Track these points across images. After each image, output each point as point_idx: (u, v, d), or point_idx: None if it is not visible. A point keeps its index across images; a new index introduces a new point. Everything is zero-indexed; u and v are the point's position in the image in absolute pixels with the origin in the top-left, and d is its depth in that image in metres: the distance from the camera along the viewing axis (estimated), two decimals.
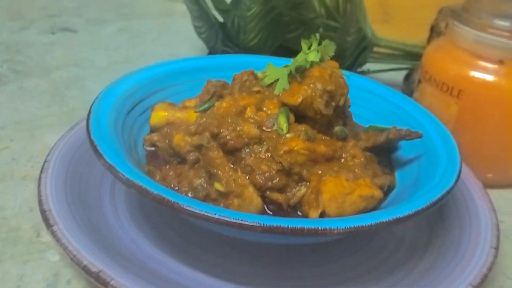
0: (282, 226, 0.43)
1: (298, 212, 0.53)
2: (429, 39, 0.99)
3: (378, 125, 0.65)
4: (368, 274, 0.52)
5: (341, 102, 0.58)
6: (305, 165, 0.53)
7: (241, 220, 0.43)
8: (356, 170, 0.53)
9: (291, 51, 0.91)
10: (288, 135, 0.54)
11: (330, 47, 0.60)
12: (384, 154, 0.63)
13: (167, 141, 0.59)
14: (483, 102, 0.69)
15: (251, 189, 0.50)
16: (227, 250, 0.54)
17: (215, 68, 0.73)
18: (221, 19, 0.97)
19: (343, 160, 0.55)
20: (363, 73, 0.99)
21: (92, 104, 0.58)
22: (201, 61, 0.73)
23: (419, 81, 0.77)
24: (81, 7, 1.28)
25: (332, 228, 0.43)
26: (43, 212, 0.52)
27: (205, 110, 0.60)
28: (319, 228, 0.43)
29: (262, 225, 0.43)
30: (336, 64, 0.60)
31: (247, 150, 0.54)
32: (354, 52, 0.91)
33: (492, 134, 0.70)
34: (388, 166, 0.62)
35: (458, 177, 0.52)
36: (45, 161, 0.60)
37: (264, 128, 0.56)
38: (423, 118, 0.64)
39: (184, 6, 0.99)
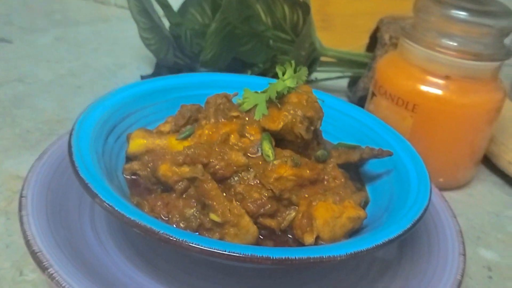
0: (290, 258, 0.45)
1: (289, 235, 0.55)
2: (369, 47, 1.05)
3: (346, 141, 0.68)
4: None
5: (319, 126, 0.61)
6: (293, 190, 0.56)
7: (252, 255, 0.44)
8: (340, 192, 0.56)
9: (245, 64, 0.93)
10: (275, 162, 0.56)
11: (303, 72, 0.62)
12: (352, 169, 0.67)
13: (149, 170, 0.59)
14: (435, 115, 0.75)
15: (247, 218, 0.52)
16: (216, 274, 0.55)
17: (185, 87, 0.73)
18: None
19: (325, 182, 0.58)
20: (311, 82, 1.03)
21: (70, 138, 0.56)
22: (170, 81, 0.73)
23: (373, 94, 0.81)
24: (10, 14, 1.21)
25: (336, 255, 0.46)
26: (34, 254, 0.51)
27: (186, 138, 0.60)
28: (324, 256, 0.45)
29: (272, 258, 0.44)
30: (309, 89, 0.63)
31: (236, 178, 0.56)
32: (306, 64, 0.95)
33: (443, 143, 0.76)
34: (358, 180, 0.66)
35: (431, 192, 0.57)
36: (21, 197, 0.58)
37: (249, 154, 0.58)
38: (387, 135, 0.68)
39: (119, 10, 0.98)
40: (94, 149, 0.57)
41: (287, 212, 0.55)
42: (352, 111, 0.73)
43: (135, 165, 0.60)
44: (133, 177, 0.60)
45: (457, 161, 0.79)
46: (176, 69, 0.98)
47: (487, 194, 0.82)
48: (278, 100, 0.60)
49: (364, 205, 0.61)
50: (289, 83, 0.61)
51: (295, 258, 0.45)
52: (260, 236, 0.55)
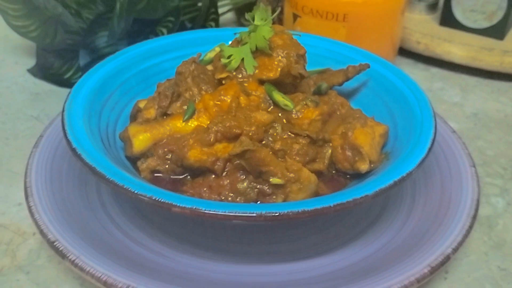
0: (327, 206, 0.45)
1: (333, 171, 0.57)
2: None
3: (313, 68, 0.70)
4: (356, 239, 0.54)
5: (306, 61, 0.61)
6: (323, 129, 0.57)
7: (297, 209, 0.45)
8: (357, 115, 0.59)
9: (141, 22, 0.87)
10: (297, 108, 0.56)
11: (268, 11, 0.61)
12: None
13: (170, 161, 0.55)
14: (364, 18, 0.79)
15: (305, 170, 0.52)
16: (216, 231, 0.55)
17: (150, 56, 0.68)
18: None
19: (338, 112, 0.60)
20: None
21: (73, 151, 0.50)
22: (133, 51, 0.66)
23: (297, 16, 0.83)
24: None
25: (369, 194, 0.46)
26: (50, 243, 0.49)
27: (191, 117, 0.56)
28: (358, 198, 0.46)
29: (332, 205, 0.45)
30: (282, 27, 0.62)
31: (269, 138, 0.55)
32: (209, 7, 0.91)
33: (372, 42, 0.82)
34: None
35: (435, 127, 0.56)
36: (26, 187, 0.55)
37: (262, 110, 0.57)
38: (339, 49, 0.71)
39: None
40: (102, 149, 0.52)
41: (324, 151, 0.57)
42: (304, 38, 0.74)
43: (151, 162, 0.55)
44: (155, 175, 0.55)
45: (383, 55, 0.86)
46: (67, 52, 0.87)
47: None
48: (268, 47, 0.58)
49: None
50: (268, 30, 0.59)
51: (331, 205, 0.45)
52: None
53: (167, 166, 0.55)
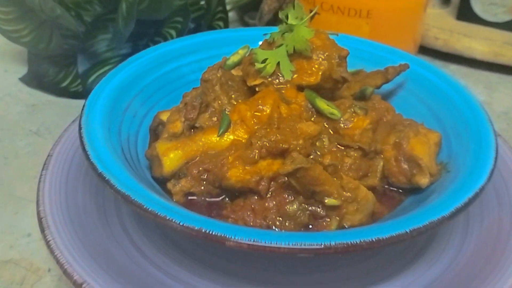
0: (404, 233, 0.39)
1: (385, 186, 0.51)
2: None
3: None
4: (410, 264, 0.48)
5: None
6: (373, 139, 0.51)
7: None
8: (407, 122, 0.53)
9: (144, 23, 0.80)
10: (345, 117, 0.50)
11: (301, 8, 0.55)
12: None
13: (206, 182, 0.48)
14: (389, 15, 0.74)
15: (362, 188, 0.46)
16: (258, 259, 0.48)
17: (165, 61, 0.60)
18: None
19: (384, 118, 0.54)
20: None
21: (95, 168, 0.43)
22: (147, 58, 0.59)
23: (316, 13, 0.77)
24: None
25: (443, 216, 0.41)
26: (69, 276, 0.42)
27: (226, 130, 0.50)
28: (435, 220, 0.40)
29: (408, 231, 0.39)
30: (315, 27, 0.56)
31: (316, 152, 0.49)
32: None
33: (395, 39, 0.77)
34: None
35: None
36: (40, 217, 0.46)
37: (307, 120, 0.51)
38: (373, 49, 0.65)
39: None
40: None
41: (376, 164, 0.51)
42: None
43: (185, 183, 0.48)
44: (189, 198, 0.49)
45: (409, 46, 0.81)
46: (62, 58, 0.80)
47: None
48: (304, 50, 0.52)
49: None
50: (307, 30, 0.53)
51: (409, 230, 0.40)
52: None
53: (202, 187, 0.48)
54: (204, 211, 0.48)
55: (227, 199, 0.49)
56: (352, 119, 0.50)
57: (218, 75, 0.55)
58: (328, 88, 0.54)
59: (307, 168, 0.44)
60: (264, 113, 0.49)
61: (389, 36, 0.75)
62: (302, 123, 0.48)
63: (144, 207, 0.40)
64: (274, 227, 0.46)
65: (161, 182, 0.50)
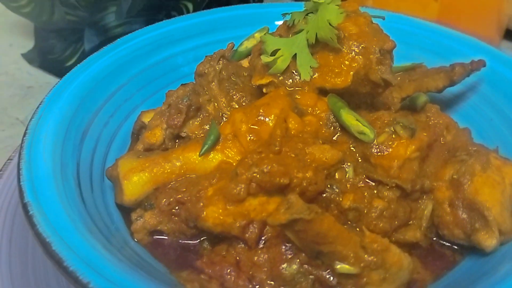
0: None
1: (435, 238, 0.36)
2: None
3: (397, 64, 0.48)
4: None
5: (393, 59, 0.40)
6: (420, 172, 0.35)
7: None
8: (475, 148, 0.37)
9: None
10: (381, 139, 0.35)
11: None
12: None
13: (178, 219, 0.35)
14: None
15: (394, 249, 0.32)
16: None
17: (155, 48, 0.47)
18: None
19: (442, 139, 0.38)
20: None
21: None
22: (130, 46, 0.47)
23: None
24: None
25: None
26: None
27: (212, 147, 0.36)
28: None
29: None
30: (354, 5, 0.40)
31: (335, 186, 0.34)
32: None
33: (472, 21, 0.59)
34: None
35: None
36: None
37: (325, 139, 0.36)
38: (454, 42, 0.49)
39: None
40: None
41: (421, 207, 0.36)
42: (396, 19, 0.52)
43: (149, 219, 0.36)
44: (155, 237, 0.36)
45: (486, 38, 0.63)
46: (69, 32, 0.69)
47: None
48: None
49: None
50: (335, 5, 0.38)
51: None
52: None
53: (174, 225, 0.35)
54: (172, 258, 0.35)
55: (206, 243, 0.35)
56: (391, 143, 0.35)
57: (217, 68, 0.41)
58: (364, 93, 0.38)
59: (308, 221, 0.30)
60: (265, 127, 0.35)
61: (464, 17, 0.59)
62: (314, 146, 0.34)
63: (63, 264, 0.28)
64: None
65: (127, 210, 0.38)
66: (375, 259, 0.31)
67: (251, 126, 0.36)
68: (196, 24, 0.48)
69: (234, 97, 0.41)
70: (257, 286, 0.33)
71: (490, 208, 0.33)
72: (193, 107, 0.40)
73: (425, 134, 0.36)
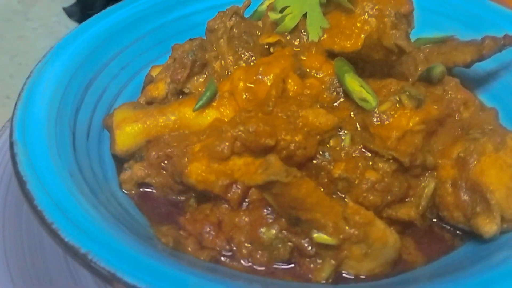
0: None
1: (433, 219, 0.34)
2: None
3: (426, 35, 0.45)
4: None
5: (414, 24, 0.37)
6: (424, 147, 0.33)
7: None
8: (490, 126, 0.34)
9: None
10: (383, 108, 0.33)
11: None
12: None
13: (166, 172, 0.34)
14: None
15: (379, 223, 0.30)
16: None
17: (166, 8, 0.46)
18: None
19: (457, 115, 0.35)
20: None
21: (14, 161, 0.30)
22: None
23: None
24: None
25: None
26: None
27: (208, 103, 0.35)
28: None
29: None
30: None
31: (325, 154, 0.32)
32: None
33: None
34: None
35: None
36: None
37: (325, 104, 0.34)
38: (491, 13, 0.45)
39: None
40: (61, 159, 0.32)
41: (422, 185, 0.33)
42: None
43: (138, 170, 0.35)
44: (142, 189, 0.35)
45: None
46: None
47: None
48: None
49: None
50: None
51: None
52: None
53: (161, 179, 0.35)
54: (157, 211, 0.35)
55: (192, 200, 0.34)
56: (393, 112, 0.32)
57: (228, 25, 0.40)
58: (377, 60, 0.36)
59: (285, 184, 0.28)
60: (263, 86, 0.34)
61: None
62: (309, 110, 0.32)
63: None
64: (239, 257, 0.31)
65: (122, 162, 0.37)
66: (356, 232, 0.29)
67: (248, 85, 0.34)
68: None
69: (242, 55, 0.39)
70: (234, 248, 0.32)
71: (493, 191, 0.30)
72: (198, 62, 0.39)
73: (435, 107, 0.33)
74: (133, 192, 0.35)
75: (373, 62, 0.37)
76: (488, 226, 0.30)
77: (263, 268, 0.31)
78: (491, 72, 0.43)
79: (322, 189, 0.31)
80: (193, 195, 0.35)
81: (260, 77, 0.34)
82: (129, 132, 0.35)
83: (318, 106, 0.33)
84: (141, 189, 0.35)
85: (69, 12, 0.71)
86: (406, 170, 0.32)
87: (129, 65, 0.44)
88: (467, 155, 0.32)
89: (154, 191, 0.35)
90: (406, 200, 0.33)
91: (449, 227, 0.33)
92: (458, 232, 0.33)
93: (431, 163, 0.33)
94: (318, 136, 0.32)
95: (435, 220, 0.34)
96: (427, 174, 0.33)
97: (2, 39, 0.66)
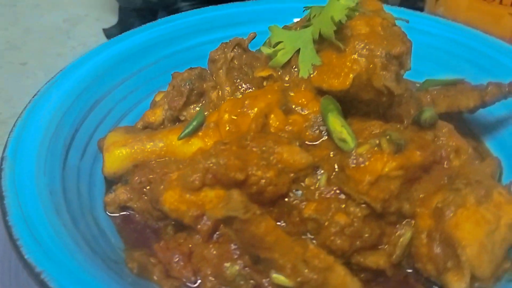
0: None
1: (407, 270, 0.32)
2: None
3: (435, 76, 0.44)
4: None
5: (409, 66, 0.36)
6: (402, 194, 0.32)
7: None
8: (478, 177, 0.32)
9: None
10: (361, 150, 0.32)
11: None
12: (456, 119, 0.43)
13: (147, 198, 0.35)
14: None
15: (339, 269, 0.29)
16: None
17: (174, 38, 0.47)
18: None
19: (445, 163, 0.34)
20: None
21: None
22: (149, 33, 0.47)
23: None
24: None
25: None
26: None
27: (194, 133, 0.36)
28: None
29: None
30: (378, 5, 0.37)
31: (299, 192, 0.32)
32: None
33: None
34: (468, 135, 0.42)
35: None
36: None
37: (307, 142, 0.34)
38: (497, 52, 0.43)
39: None
40: (44, 181, 0.33)
41: (397, 233, 0.32)
42: (430, 25, 0.48)
43: (120, 193, 0.36)
44: (123, 213, 0.36)
45: None
46: (147, 12, 0.71)
47: None
48: (337, 37, 0.34)
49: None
50: (347, 1, 0.35)
51: None
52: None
53: (142, 204, 0.35)
54: (134, 236, 0.35)
55: (170, 228, 0.35)
56: (370, 155, 0.31)
57: (229, 56, 0.40)
58: (369, 101, 0.35)
59: (244, 220, 0.28)
60: (246, 119, 0.34)
61: None
62: (284, 147, 0.32)
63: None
64: (204, 284, 0.31)
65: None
66: (315, 277, 0.28)
67: (233, 117, 0.35)
68: (222, 15, 0.48)
69: (239, 87, 0.39)
70: (199, 280, 0.32)
71: (465, 247, 0.28)
72: (195, 91, 0.40)
73: (419, 153, 0.32)
74: (116, 214, 0.36)
75: (367, 102, 0.36)
76: (457, 284, 0.28)
77: None
78: (501, 118, 0.41)
79: (292, 229, 0.31)
80: (172, 223, 0.35)
81: (245, 110, 0.34)
82: (117, 155, 0.36)
83: (297, 144, 0.33)
84: (126, 212, 0.36)
85: (108, 33, 0.75)
86: (380, 216, 0.31)
87: (138, 90, 0.45)
88: (445, 206, 0.30)
89: (134, 215, 0.36)
90: (380, 247, 0.32)
91: (423, 280, 0.32)
92: (434, 286, 0.32)
93: (407, 211, 0.31)
94: (292, 174, 0.32)
95: (411, 271, 0.32)
96: (404, 222, 0.32)
97: (42, 55, 0.70)
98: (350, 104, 0.36)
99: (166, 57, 0.47)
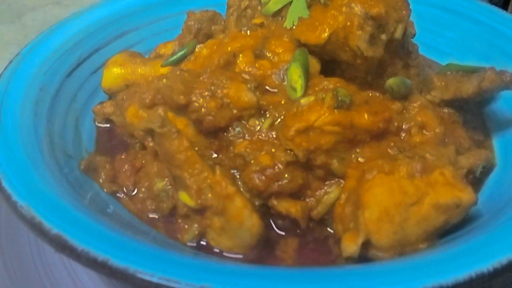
0: None
1: (329, 229, 0.31)
2: None
3: (464, 62, 0.40)
4: None
5: (398, 34, 0.34)
6: (336, 151, 0.31)
7: None
8: (427, 154, 0.30)
9: None
10: (304, 100, 0.31)
11: None
12: (471, 109, 0.39)
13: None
14: None
15: (239, 201, 0.29)
16: None
17: None
18: None
19: (403, 135, 0.32)
20: None
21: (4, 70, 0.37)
22: None
23: None
24: None
25: None
26: None
27: (177, 62, 0.38)
28: None
29: None
30: None
31: (237, 129, 0.33)
32: None
33: None
34: (479, 128, 0.39)
35: None
36: None
37: (267, 87, 0.34)
38: None
39: None
40: (39, 85, 0.38)
41: (323, 190, 0.31)
42: (481, 12, 0.44)
43: (107, 106, 0.40)
44: (107, 125, 0.40)
45: None
46: None
47: None
48: None
49: (485, 172, 0.35)
50: None
51: None
52: (278, 230, 0.32)
53: (121, 118, 0.39)
54: (107, 145, 0.39)
55: (139, 144, 0.38)
56: (308, 107, 0.31)
57: (243, 5, 0.41)
58: (346, 61, 0.34)
59: (161, 134, 0.29)
60: (215, 54, 0.35)
61: None
62: (234, 83, 0.33)
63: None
64: (136, 201, 0.34)
65: None
66: (215, 202, 0.29)
67: (209, 52, 0.36)
68: None
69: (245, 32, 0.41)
70: (135, 189, 0.34)
71: (365, 209, 0.27)
72: (202, 31, 0.42)
73: (367, 116, 0.31)
74: (102, 125, 0.40)
75: (357, 66, 0.35)
76: (348, 244, 0.27)
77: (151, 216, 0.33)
78: None
79: (227, 163, 0.32)
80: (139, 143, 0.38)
81: (221, 47, 0.36)
82: (112, 73, 0.40)
83: (251, 85, 0.33)
84: (110, 125, 0.40)
85: None
86: (307, 168, 0.31)
87: (141, 43, 0.46)
88: (368, 169, 0.29)
89: (115, 128, 0.39)
90: (302, 199, 0.31)
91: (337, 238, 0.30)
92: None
93: (337, 170, 0.30)
94: (235, 111, 0.32)
95: (331, 231, 0.31)
96: (334, 181, 0.31)
97: None
98: (333, 65, 0.35)
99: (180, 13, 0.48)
